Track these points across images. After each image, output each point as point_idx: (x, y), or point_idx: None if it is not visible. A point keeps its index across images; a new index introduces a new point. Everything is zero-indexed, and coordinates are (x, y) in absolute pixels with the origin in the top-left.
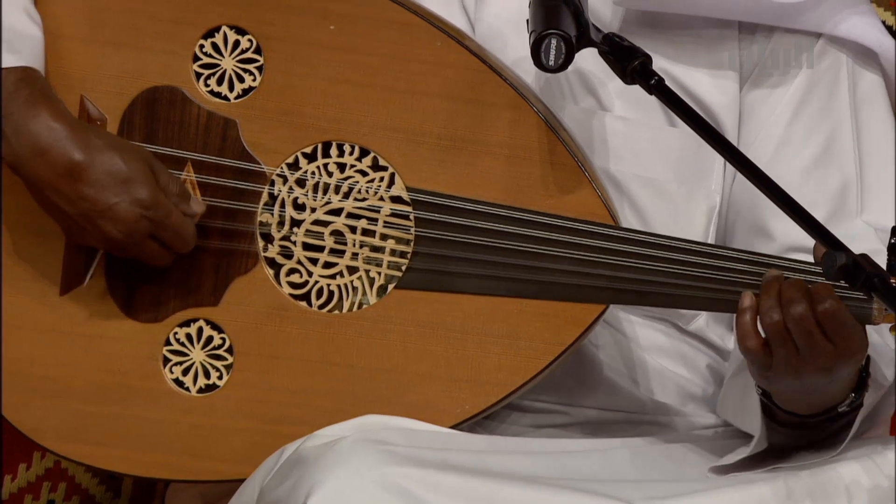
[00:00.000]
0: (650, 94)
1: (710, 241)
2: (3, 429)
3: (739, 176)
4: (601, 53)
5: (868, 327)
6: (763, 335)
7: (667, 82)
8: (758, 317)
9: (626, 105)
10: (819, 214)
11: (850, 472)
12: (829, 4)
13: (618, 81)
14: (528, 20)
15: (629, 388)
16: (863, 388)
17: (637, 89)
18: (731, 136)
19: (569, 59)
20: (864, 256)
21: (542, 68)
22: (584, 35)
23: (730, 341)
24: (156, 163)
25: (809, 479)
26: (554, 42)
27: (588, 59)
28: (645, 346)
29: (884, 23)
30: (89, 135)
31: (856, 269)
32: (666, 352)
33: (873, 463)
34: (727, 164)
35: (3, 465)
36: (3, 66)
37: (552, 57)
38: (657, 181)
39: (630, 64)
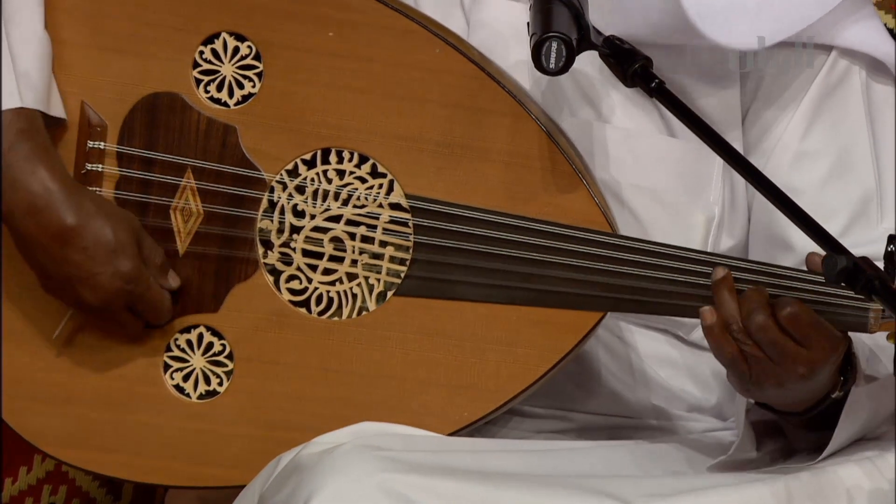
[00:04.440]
0: (651, 97)
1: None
2: (2, 433)
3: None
4: (602, 56)
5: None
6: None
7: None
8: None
9: (625, 115)
10: (839, 222)
11: (850, 474)
12: (828, 16)
13: (616, 92)
14: (528, 23)
15: (630, 394)
16: (850, 370)
17: (636, 99)
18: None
19: (569, 62)
20: (865, 259)
21: (542, 71)
22: (584, 38)
23: None
24: (142, 232)
25: (810, 480)
26: (555, 45)
27: (586, 68)
28: (645, 355)
29: (885, 25)
30: (84, 199)
31: (856, 271)
32: (668, 362)
33: (874, 466)
34: (727, 176)
35: (4, 468)
36: (23, 104)
37: (553, 60)
38: (655, 191)
39: (631, 67)
